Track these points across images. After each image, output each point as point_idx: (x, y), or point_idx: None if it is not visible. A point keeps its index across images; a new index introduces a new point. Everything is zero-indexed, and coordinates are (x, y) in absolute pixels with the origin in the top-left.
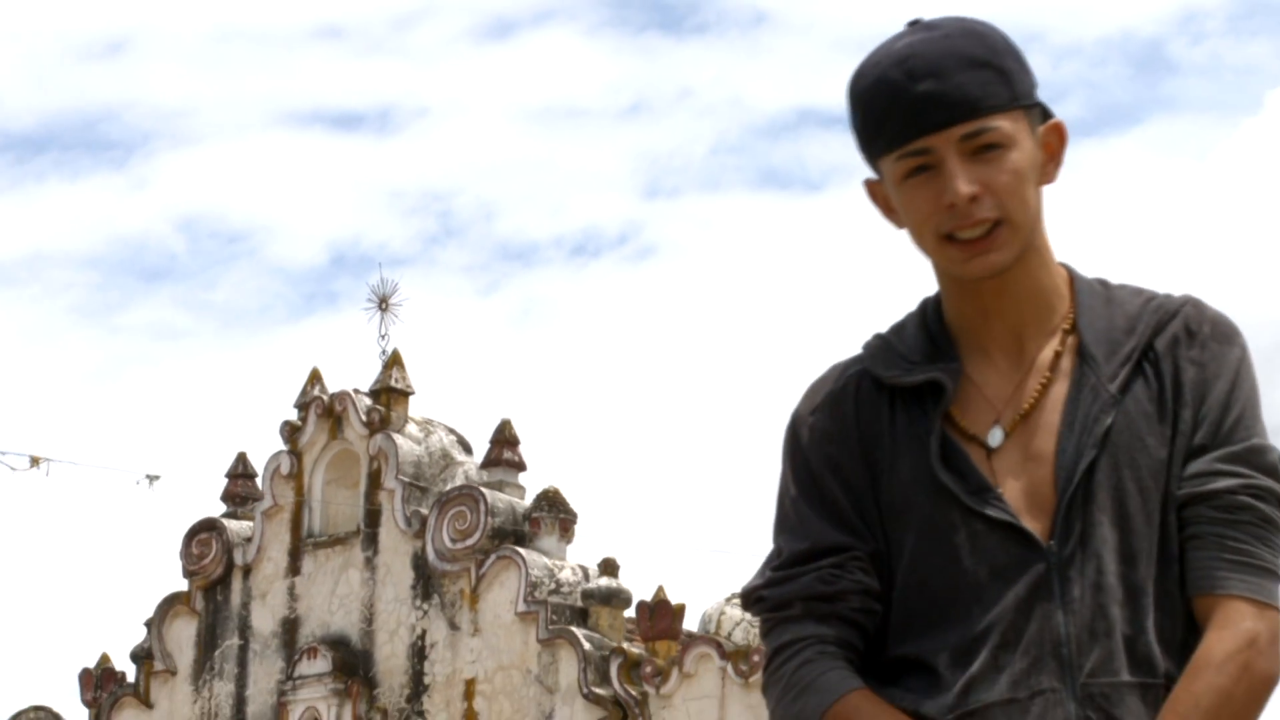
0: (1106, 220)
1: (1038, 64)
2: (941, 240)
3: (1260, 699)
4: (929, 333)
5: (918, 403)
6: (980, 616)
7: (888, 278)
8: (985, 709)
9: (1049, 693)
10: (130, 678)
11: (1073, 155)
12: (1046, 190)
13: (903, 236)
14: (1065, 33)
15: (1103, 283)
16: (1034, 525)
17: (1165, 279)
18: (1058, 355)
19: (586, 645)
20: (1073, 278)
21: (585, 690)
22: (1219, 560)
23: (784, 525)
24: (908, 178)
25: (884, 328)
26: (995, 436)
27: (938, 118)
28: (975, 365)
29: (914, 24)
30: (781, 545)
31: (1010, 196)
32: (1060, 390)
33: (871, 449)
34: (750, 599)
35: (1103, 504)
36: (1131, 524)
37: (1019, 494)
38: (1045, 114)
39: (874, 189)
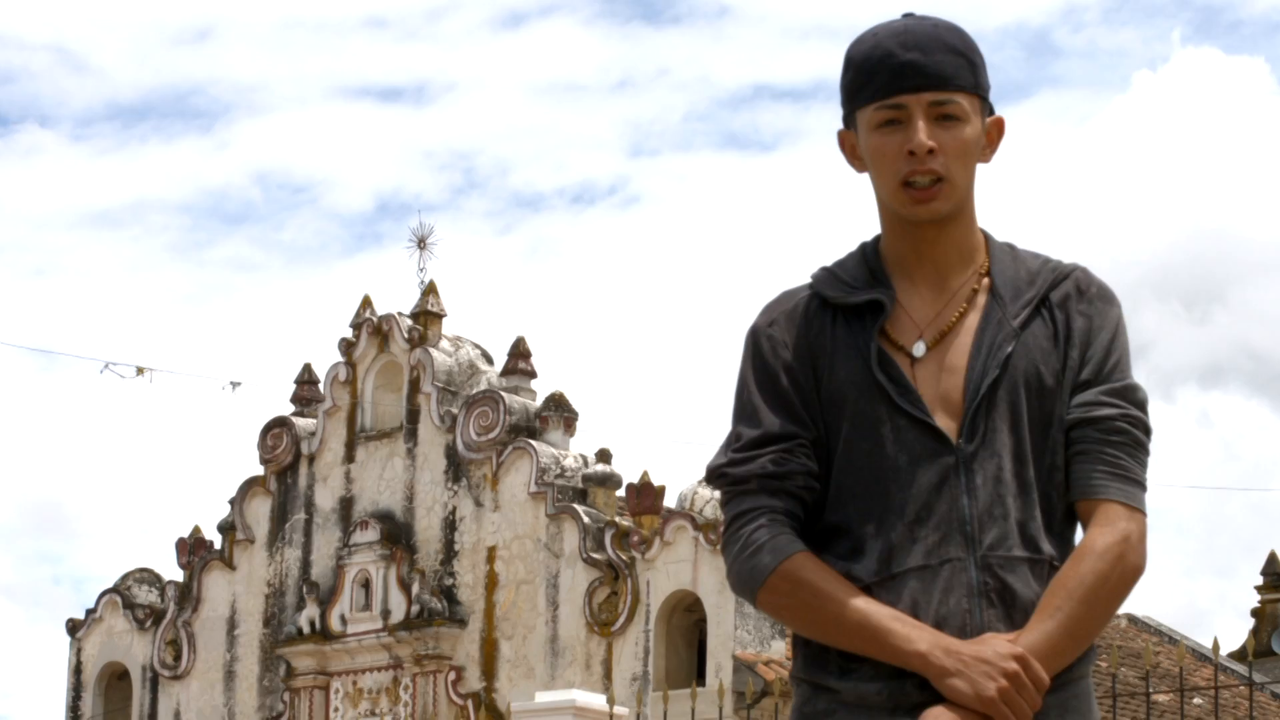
0: (1004, 176)
1: None
2: (899, 185)
3: (1129, 585)
4: (868, 266)
5: (858, 319)
6: (899, 496)
7: (819, 220)
8: (905, 573)
9: (955, 561)
10: (217, 545)
11: None
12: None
13: (840, 190)
14: (970, 23)
15: (1010, 245)
16: (945, 425)
17: (1052, 222)
18: (974, 292)
19: (585, 519)
20: (988, 238)
21: (585, 555)
22: (1099, 471)
23: (742, 415)
24: (880, 127)
25: (828, 262)
26: (919, 349)
27: (916, 82)
28: (904, 292)
29: (908, 15)
30: (740, 431)
31: (955, 160)
32: (973, 319)
33: (817, 355)
34: (714, 475)
35: (1002, 414)
36: (1024, 433)
37: (934, 398)
38: (992, 110)
39: (844, 137)
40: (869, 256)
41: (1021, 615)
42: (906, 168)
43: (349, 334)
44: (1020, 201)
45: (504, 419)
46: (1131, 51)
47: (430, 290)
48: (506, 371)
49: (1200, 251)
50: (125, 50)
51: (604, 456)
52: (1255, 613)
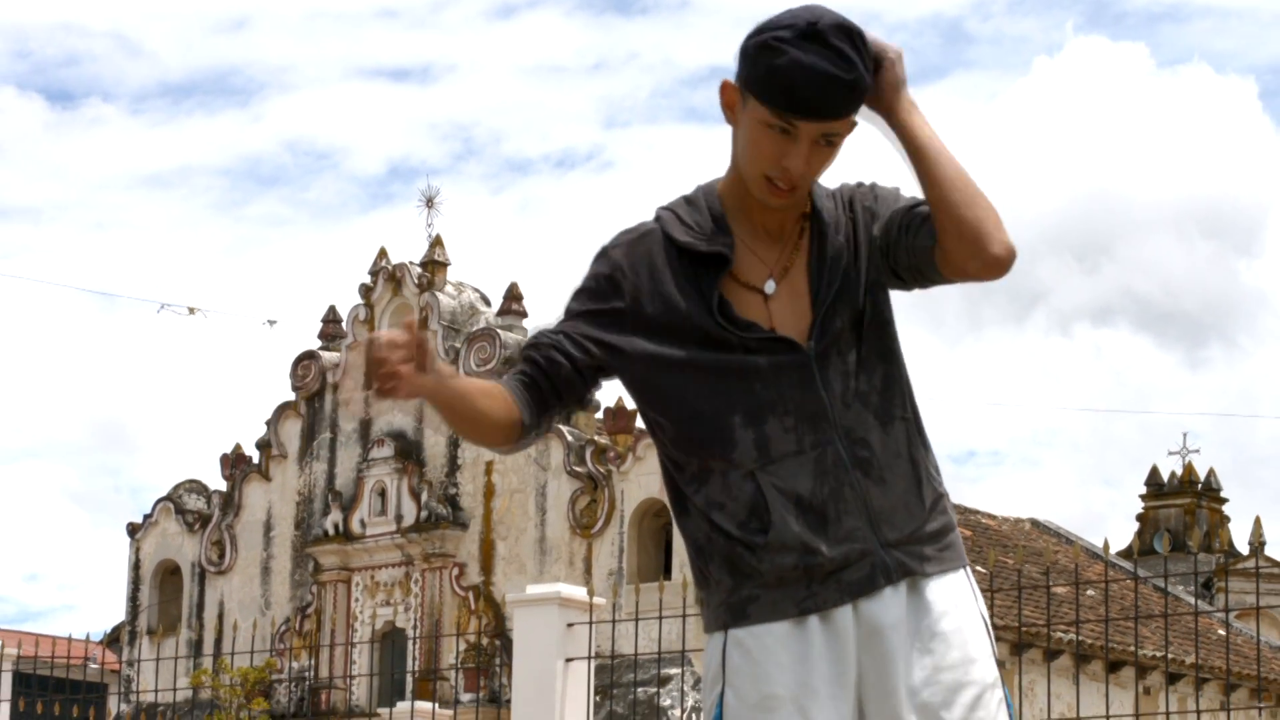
0: None
1: (877, 37)
2: (761, 175)
3: (986, 200)
4: (711, 213)
5: (702, 264)
6: (763, 393)
7: None
8: (783, 458)
9: (827, 445)
10: (255, 460)
11: None
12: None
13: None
14: (894, 14)
15: (817, 182)
16: (798, 336)
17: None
18: (803, 230)
19: (569, 437)
20: None
21: (568, 468)
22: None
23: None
24: (768, 126)
25: (666, 202)
26: (770, 286)
27: (813, 114)
28: (748, 238)
29: (812, 25)
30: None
31: (818, 176)
32: (809, 252)
33: (649, 283)
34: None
35: (844, 319)
36: (863, 331)
37: (788, 319)
38: None
39: (729, 90)
40: (710, 202)
41: (884, 467)
42: (775, 171)
43: (367, 280)
44: None
45: (500, 353)
46: (1032, 39)
47: (436, 242)
48: (502, 312)
49: (1090, 211)
50: (174, 36)
51: None
52: (1140, 517)
